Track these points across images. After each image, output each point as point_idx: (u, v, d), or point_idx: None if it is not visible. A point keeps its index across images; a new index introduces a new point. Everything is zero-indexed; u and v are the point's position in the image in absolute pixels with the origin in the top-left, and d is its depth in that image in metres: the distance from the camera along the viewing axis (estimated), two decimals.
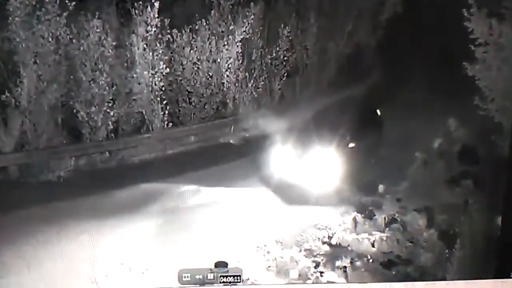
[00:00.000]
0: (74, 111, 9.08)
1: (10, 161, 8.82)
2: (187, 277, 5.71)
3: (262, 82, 10.60)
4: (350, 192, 8.67)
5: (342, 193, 8.66)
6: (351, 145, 9.04)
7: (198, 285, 5.59)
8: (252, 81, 10.44)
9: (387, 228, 8.05)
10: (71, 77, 8.97)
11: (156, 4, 9.19)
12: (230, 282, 5.69)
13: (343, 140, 8.90)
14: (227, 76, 10.11)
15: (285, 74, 10.85)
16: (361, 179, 8.90)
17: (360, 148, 9.09)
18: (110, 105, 9.19)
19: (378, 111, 10.23)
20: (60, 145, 9.15)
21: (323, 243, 7.80)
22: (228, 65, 10.04)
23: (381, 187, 8.99)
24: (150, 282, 6.53)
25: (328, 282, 7.02)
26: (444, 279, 6.84)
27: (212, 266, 5.71)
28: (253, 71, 10.43)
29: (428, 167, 9.37)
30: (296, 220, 8.14)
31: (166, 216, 7.90)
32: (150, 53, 9.29)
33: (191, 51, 9.77)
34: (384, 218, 8.25)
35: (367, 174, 9.09)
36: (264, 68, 10.54)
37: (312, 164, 8.67)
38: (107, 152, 9.36)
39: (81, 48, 8.88)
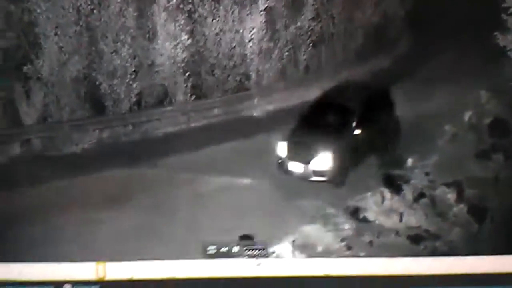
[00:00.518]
0: (97, 83, 9.00)
1: (33, 134, 8.85)
2: (213, 249, 5.68)
3: (287, 53, 10.29)
4: (378, 166, 8.53)
5: (369, 167, 8.51)
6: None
7: (223, 258, 5.56)
8: (276, 51, 10.14)
9: (416, 203, 7.90)
10: (93, 48, 8.85)
11: None
12: (255, 255, 5.65)
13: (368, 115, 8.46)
14: (251, 47, 9.82)
15: (311, 44, 10.50)
16: (389, 153, 8.72)
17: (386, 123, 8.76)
18: (132, 77, 9.07)
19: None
20: (83, 117, 9.12)
21: (350, 217, 7.70)
22: (252, 35, 9.75)
23: (409, 161, 8.73)
24: (174, 254, 6.52)
25: (354, 256, 6.93)
26: (473, 254, 6.69)
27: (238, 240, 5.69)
28: (277, 41, 10.12)
29: (458, 141, 9.10)
30: (322, 194, 8.03)
31: (190, 189, 7.86)
32: (172, 24, 9.06)
33: (214, 21, 9.50)
34: (413, 193, 8.06)
35: (395, 148, 8.89)
36: (288, 38, 10.19)
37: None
38: (130, 125, 9.29)
39: (102, 19, 8.72)
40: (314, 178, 8.07)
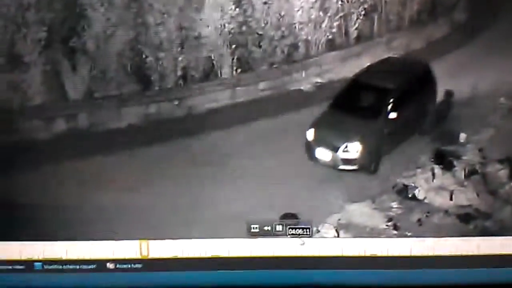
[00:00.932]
0: (143, 56, 8.80)
1: (80, 109, 8.72)
2: (256, 228, 5.58)
3: (337, 22, 9.75)
4: (428, 142, 8.16)
5: (419, 142, 8.16)
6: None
7: (266, 236, 5.45)
8: (326, 20, 9.63)
9: (467, 180, 7.60)
10: (139, 20, 8.59)
11: None
12: (299, 234, 5.52)
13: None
14: (300, 15, 9.35)
15: (362, 13, 9.90)
16: (441, 127, 8.31)
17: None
18: (178, 49, 8.85)
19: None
20: (129, 92, 8.94)
21: (397, 195, 7.45)
22: (301, 3, 9.25)
23: (462, 136, 8.36)
24: (221, 232, 6.42)
25: (401, 236, 6.72)
26: None
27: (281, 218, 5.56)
28: (327, 10, 9.58)
29: None
30: (368, 172, 7.75)
31: (235, 166, 7.71)
32: None
33: None
34: (464, 169, 7.77)
35: (448, 122, 8.45)
36: (339, 6, 9.63)
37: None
38: (176, 100, 9.08)
39: None
40: (342, 167, 7.63)
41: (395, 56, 9.49)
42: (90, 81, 8.72)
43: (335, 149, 7.62)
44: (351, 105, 8.02)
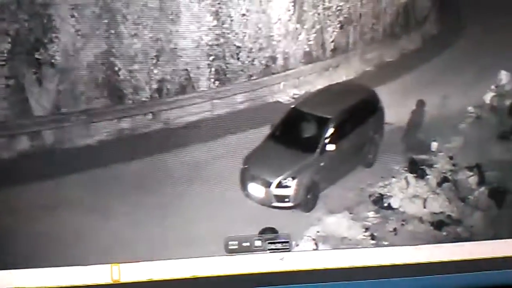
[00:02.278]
0: (116, 69, 8.40)
1: (45, 125, 8.23)
2: (234, 245, 5.47)
3: (314, 34, 9.80)
4: (401, 152, 8.26)
5: (393, 153, 8.24)
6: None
7: (245, 253, 5.33)
8: (303, 33, 9.65)
9: (439, 188, 7.80)
10: (112, 31, 8.22)
11: None
12: (278, 249, 5.46)
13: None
14: (277, 28, 9.33)
15: (338, 26, 10.04)
16: (413, 137, 8.41)
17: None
18: (153, 62, 8.55)
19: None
20: (100, 106, 8.51)
21: (374, 205, 7.50)
22: (278, 16, 9.24)
23: (434, 145, 8.55)
24: (198, 251, 6.19)
25: (378, 246, 6.77)
26: (494, 238, 6.64)
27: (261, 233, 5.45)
28: (304, 22, 9.61)
29: (481, 122, 9.03)
30: (344, 183, 7.73)
31: (214, 181, 7.46)
32: (196, 4, 8.49)
33: (240, 1, 8.94)
34: (437, 177, 7.97)
35: (419, 131, 8.58)
36: (316, 19, 9.69)
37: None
38: (150, 114, 8.76)
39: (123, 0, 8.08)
40: (276, 204, 7.17)
41: (339, 83, 9.34)
42: (57, 95, 8.26)
43: (268, 185, 7.17)
44: (288, 136, 7.60)
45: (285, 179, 7.07)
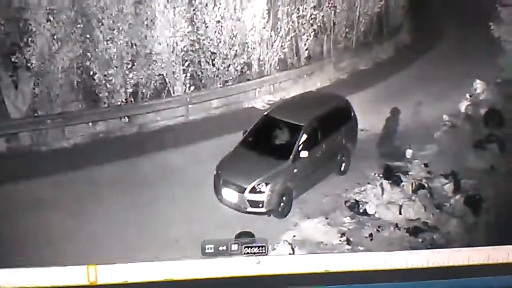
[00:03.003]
0: (91, 73, 8.52)
1: (21, 127, 8.28)
2: (210, 248, 5.45)
3: (289, 42, 9.96)
4: (377, 159, 8.34)
5: (368, 159, 8.32)
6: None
7: (221, 256, 5.33)
8: (278, 40, 9.81)
9: (414, 195, 7.81)
10: (87, 36, 8.35)
11: None
12: (254, 253, 5.46)
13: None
14: (252, 35, 9.50)
15: (312, 33, 10.25)
16: (388, 144, 8.51)
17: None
18: (129, 66, 8.64)
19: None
20: (75, 110, 8.65)
21: (349, 211, 7.53)
22: (253, 23, 9.40)
23: (408, 152, 8.63)
24: (174, 254, 6.21)
25: (354, 251, 6.79)
26: (470, 245, 6.68)
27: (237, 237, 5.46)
28: (279, 30, 9.78)
29: (455, 131, 9.08)
30: (321, 189, 7.80)
31: (190, 184, 7.52)
32: (171, 11, 8.63)
33: (215, 8, 9.10)
34: (412, 184, 7.98)
35: (394, 138, 8.69)
36: (290, 27, 9.86)
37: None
38: (126, 118, 8.85)
39: (98, 4, 8.22)
40: (250, 209, 6.95)
41: (312, 91, 9.44)
42: (33, 98, 8.35)
43: (241, 190, 6.97)
44: (261, 143, 7.49)
45: (258, 184, 6.90)
